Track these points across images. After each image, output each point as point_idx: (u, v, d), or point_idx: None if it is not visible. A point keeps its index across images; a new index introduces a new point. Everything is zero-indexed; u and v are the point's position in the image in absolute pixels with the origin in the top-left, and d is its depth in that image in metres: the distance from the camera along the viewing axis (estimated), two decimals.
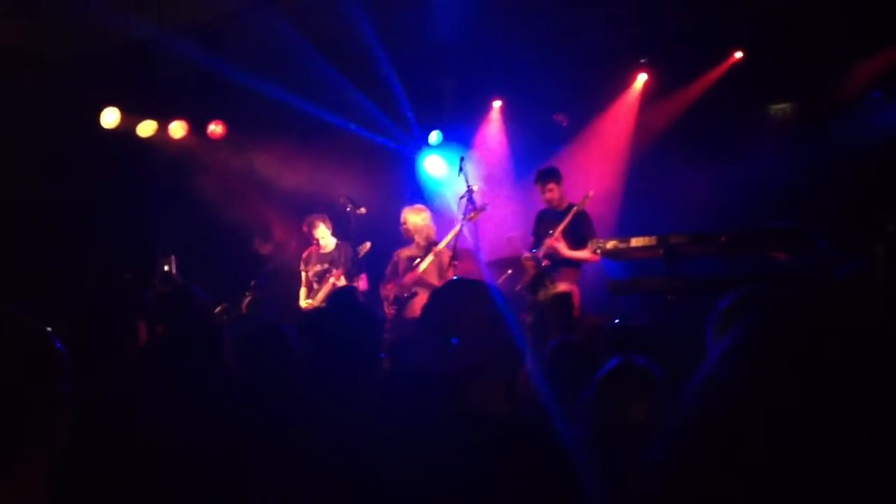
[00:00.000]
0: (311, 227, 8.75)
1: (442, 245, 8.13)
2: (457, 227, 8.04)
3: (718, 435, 0.83)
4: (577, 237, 7.82)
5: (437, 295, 2.64)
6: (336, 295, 7.87)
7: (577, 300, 7.72)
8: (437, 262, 8.18)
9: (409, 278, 8.26)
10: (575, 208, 7.91)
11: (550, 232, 7.90)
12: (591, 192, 7.99)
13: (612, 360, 3.00)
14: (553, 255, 7.86)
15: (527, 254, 8.11)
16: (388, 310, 8.33)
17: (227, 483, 2.43)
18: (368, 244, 8.54)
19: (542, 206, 8.40)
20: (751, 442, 0.79)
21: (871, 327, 0.81)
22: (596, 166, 9.66)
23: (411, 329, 7.23)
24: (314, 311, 7.60)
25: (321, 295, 8.54)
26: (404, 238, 8.54)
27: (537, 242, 8.11)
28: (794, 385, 0.79)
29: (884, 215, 6.48)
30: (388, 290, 8.48)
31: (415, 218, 8.42)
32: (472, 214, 8.00)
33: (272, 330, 3.36)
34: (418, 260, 8.28)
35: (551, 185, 8.10)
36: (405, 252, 8.51)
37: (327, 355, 2.94)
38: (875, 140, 8.23)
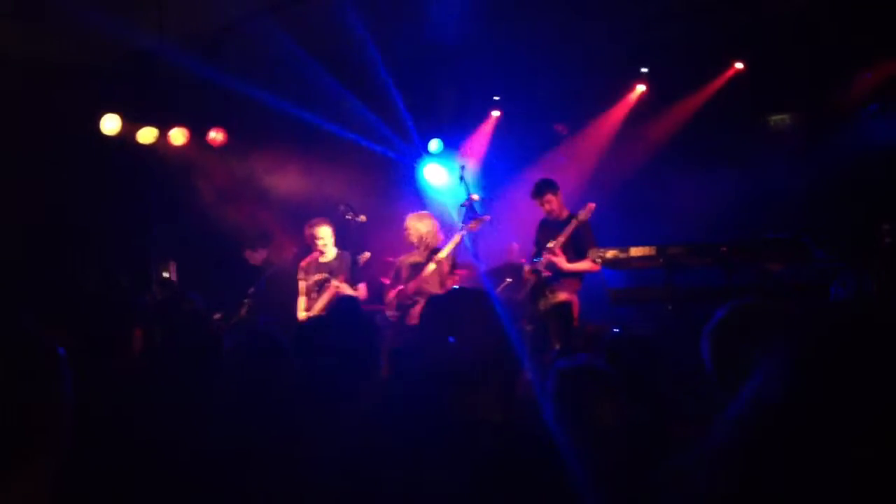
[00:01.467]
0: (314, 227, 8.66)
1: (443, 254, 8.10)
2: (457, 236, 8.03)
3: (766, 460, 0.83)
4: (577, 248, 7.81)
5: (435, 301, 2.65)
6: (338, 302, 7.84)
7: (576, 310, 7.73)
8: (439, 270, 8.15)
9: (411, 287, 8.24)
10: (575, 220, 7.88)
11: (550, 245, 7.87)
12: (591, 204, 7.96)
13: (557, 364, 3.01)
14: (553, 265, 7.85)
15: (527, 266, 8.11)
16: (392, 316, 8.31)
17: (223, 489, 2.43)
18: (368, 254, 8.50)
19: (542, 214, 8.40)
20: (799, 467, 0.80)
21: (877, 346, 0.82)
22: (596, 175, 9.68)
23: (413, 335, 7.23)
24: (314, 319, 7.59)
25: (321, 303, 8.50)
26: (407, 245, 8.52)
27: (538, 251, 8.10)
28: (841, 412, 0.80)
29: (881, 227, 6.50)
30: (391, 297, 8.46)
31: (418, 225, 8.39)
32: (473, 224, 7.98)
33: (266, 338, 3.36)
34: (422, 265, 8.27)
35: (548, 197, 8.07)
36: (408, 259, 8.49)
37: (325, 362, 2.94)
38: (873, 152, 8.26)
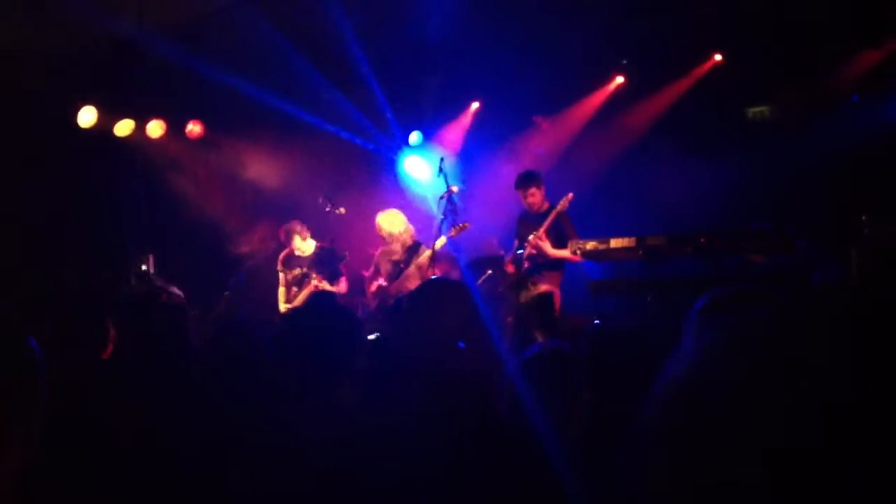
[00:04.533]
0: (288, 231, 8.73)
1: (423, 258, 8.12)
2: (438, 244, 8.00)
3: (698, 429, 0.83)
4: (558, 238, 7.83)
5: (416, 293, 2.63)
6: (315, 297, 7.83)
7: (558, 302, 7.74)
8: (420, 272, 8.17)
9: (393, 287, 8.25)
10: (555, 210, 7.90)
11: (533, 233, 7.87)
12: (570, 194, 7.98)
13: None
14: (536, 257, 7.84)
15: (508, 258, 8.12)
16: (374, 313, 8.31)
17: (198, 484, 2.40)
18: (347, 253, 8.54)
19: (521, 207, 8.40)
20: (728, 436, 0.79)
21: (848, 332, 0.81)
22: (575, 167, 9.68)
23: (391, 328, 7.21)
24: (293, 312, 7.57)
25: (301, 298, 8.50)
26: (381, 241, 8.54)
27: (520, 244, 8.10)
28: (775, 385, 0.79)
29: (860, 217, 6.54)
30: (372, 292, 8.46)
31: (388, 223, 8.42)
32: (454, 231, 7.98)
33: (240, 331, 3.33)
34: (402, 266, 8.29)
35: (532, 190, 8.05)
36: (386, 252, 8.50)
37: (306, 356, 2.91)
38: (853, 143, 8.30)
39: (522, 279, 7.80)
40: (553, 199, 8.12)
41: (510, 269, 8.03)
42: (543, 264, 7.85)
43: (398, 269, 8.30)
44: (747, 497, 0.77)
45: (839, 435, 0.75)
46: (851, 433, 0.75)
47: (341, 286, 8.51)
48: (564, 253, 7.69)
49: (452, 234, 7.97)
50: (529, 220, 8.15)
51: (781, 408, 0.78)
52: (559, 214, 7.88)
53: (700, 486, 0.80)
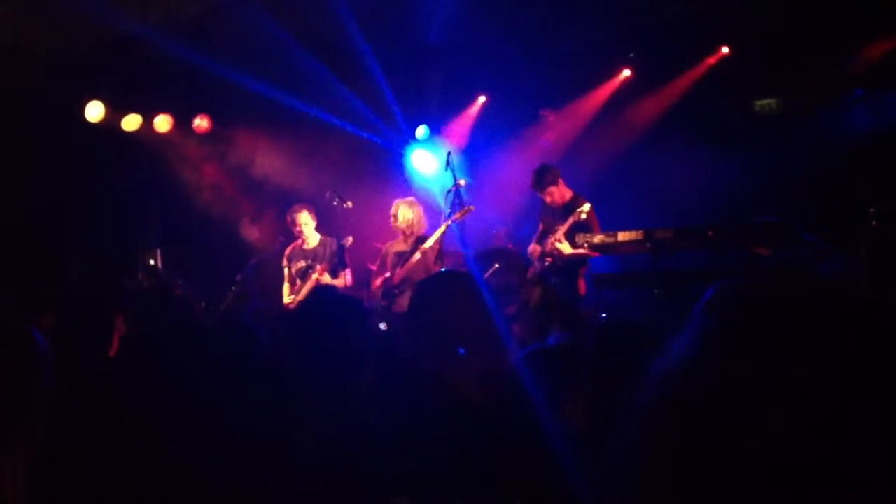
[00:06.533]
0: (293, 213, 8.66)
1: (428, 244, 8.07)
2: (443, 226, 7.97)
3: (680, 419, 0.83)
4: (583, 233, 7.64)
5: (422, 285, 2.63)
6: (317, 291, 7.81)
7: (583, 289, 7.70)
8: (424, 259, 8.12)
9: (397, 275, 8.22)
10: (572, 217, 7.67)
11: (556, 228, 7.75)
12: (588, 206, 7.72)
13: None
14: (556, 254, 7.75)
15: (535, 246, 8.03)
16: (378, 304, 8.29)
17: (202, 479, 2.41)
18: (351, 238, 8.44)
19: (532, 198, 8.31)
20: (710, 426, 0.80)
21: (826, 318, 0.82)
22: (582, 161, 9.66)
23: (400, 323, 7.22)
24: (297, 307, 7.56)
25: (304, 291, 8.48)
26: (392, 230, 8.50)
27: (546, 228, 7.97)
28: (752, 371, 0.80)
29: (868, 211, 6.52)
30: (377, 285, 8.45)
31: (406, 211, 8.36)
32: (458, 214, 7.92)
33: (239, 328, 3.33)
34: (408, 253, 8.26)
35: (550, 189, 7.86)
36: (394, 247, 8.47)
37: (310, 353, 2.91)
38: (859, 136, 8.27)
39: (544, 275, 7.78)
40: (574, 184, 7.98)
41: (534, 256, 7.97)
42: (566, 260, 7.73)
43: (403, 260, 8.26)
44: (726, 481, 0.78)
45: (823, 427, 0.75)
46: (835, 427, 0.75)
47: (347, 279, 8.46)
48: (581, 252, 7.55)
49: (457, 216, 7.92)
50: (555, 210, 7.99)
51: (766, 399, 0.78)
52: (578, 221, 7.75)
53: (680, 469, 0.81)
